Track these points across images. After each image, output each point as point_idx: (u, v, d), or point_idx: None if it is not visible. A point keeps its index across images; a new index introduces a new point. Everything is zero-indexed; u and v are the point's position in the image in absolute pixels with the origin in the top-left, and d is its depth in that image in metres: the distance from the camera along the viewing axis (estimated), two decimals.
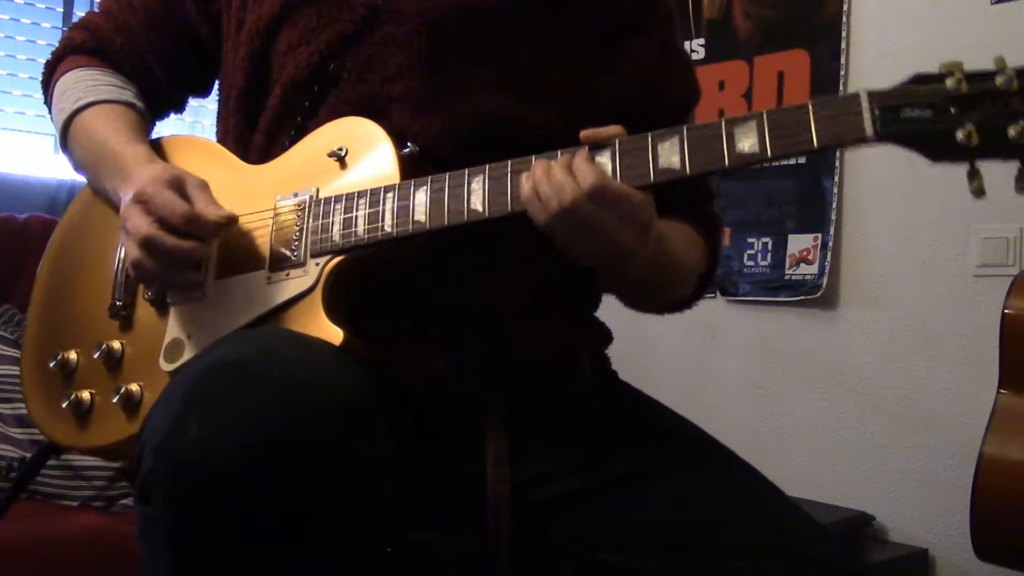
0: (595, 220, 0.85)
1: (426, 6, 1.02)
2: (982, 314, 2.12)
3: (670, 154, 0.85)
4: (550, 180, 0.86)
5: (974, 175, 0.79)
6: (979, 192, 0.79)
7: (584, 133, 0.89)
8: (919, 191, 2.25)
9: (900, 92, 0.79)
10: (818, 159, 2.43)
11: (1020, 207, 2.08)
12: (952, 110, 0.78)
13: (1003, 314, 1.66)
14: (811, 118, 0.81)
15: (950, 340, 2.19)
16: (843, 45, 2.40)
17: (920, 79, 0.79)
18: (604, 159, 0.88)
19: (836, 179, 2.40)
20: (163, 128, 1.28)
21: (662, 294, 1.10)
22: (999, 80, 0.76)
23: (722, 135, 0.84)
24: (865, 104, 0.79)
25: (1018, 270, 1.89)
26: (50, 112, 1.22)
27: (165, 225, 0.97)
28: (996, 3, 2.13)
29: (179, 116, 1.32)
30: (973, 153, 0.78)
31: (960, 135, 0.77)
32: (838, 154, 2.40)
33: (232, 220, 0.99)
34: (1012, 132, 0.76)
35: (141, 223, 0.97)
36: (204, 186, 1.01)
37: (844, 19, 2.40)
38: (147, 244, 0.97)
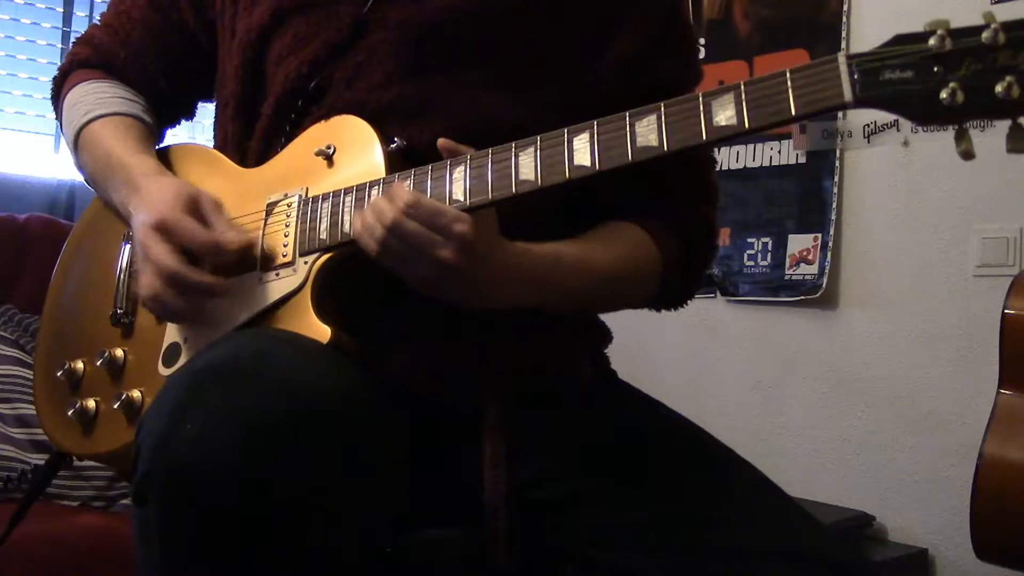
0: (414, 235, 0.86)
1: (412, 13, 1.03)
2: (982, 314, 2.12)
3: (648, 132, 0.84)
4: (372, 208, 0.89)
5: (961, 136, 0.75)
6: (967, 155, 0.75)
7: (441, 142, 0.91)
8: (919, 191, 2.25)
9: (880, 54, 0.76)
10: (818, 159, 2.43)
11: (1020, 207, 2.09)
12: (935, 69, 0.74)
13: (1003, 314, 1.66)
14: (788, 86, 0.79)
15: (950, 340, 2.19)
16: (843, 45, 2.39)
17: (902, 39, 0.77)
18: (582, 142, 0.87)
19: (836, 179, 2.40)
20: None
21: (587, 303, 1.07)
22: (984, 35, 0.73)
23: (699, 109, 0.82)
24: (843, 68, 0.76)
25: (1018, 270, 1.88)
26: (61, 127, 1.23)
27: (191, 257, 0.97)
28: (996, 3, 2.13)
29: None
30: (959, 113, 0.74)
31: (944, 95, 0.73)
32: (838, 154, 2.40)
33: (251, 244, 0.99)
34: (999, 88, 0.72)
35: (162, 255, 0.96)
36: (219, 207, 1.02)
37: (844, 19, 2.40)
38: (172, 280, 0.96)
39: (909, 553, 2.18)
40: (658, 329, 2.62)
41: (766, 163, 2.54)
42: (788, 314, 2.50)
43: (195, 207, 1.00)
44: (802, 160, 2.46)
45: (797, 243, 2.47)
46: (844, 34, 2.40)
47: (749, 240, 2.56)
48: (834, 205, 2.39)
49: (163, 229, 0.98)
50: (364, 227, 0.89)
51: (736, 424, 2.54)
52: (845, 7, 2.40)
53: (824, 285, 2.40)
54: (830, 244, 2.40)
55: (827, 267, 2.40)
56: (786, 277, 2.48)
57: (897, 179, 2.29)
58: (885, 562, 2.13)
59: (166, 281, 0.96)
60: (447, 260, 0.87)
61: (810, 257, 2.44)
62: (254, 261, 1.00)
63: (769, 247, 2.52)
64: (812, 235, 2.44)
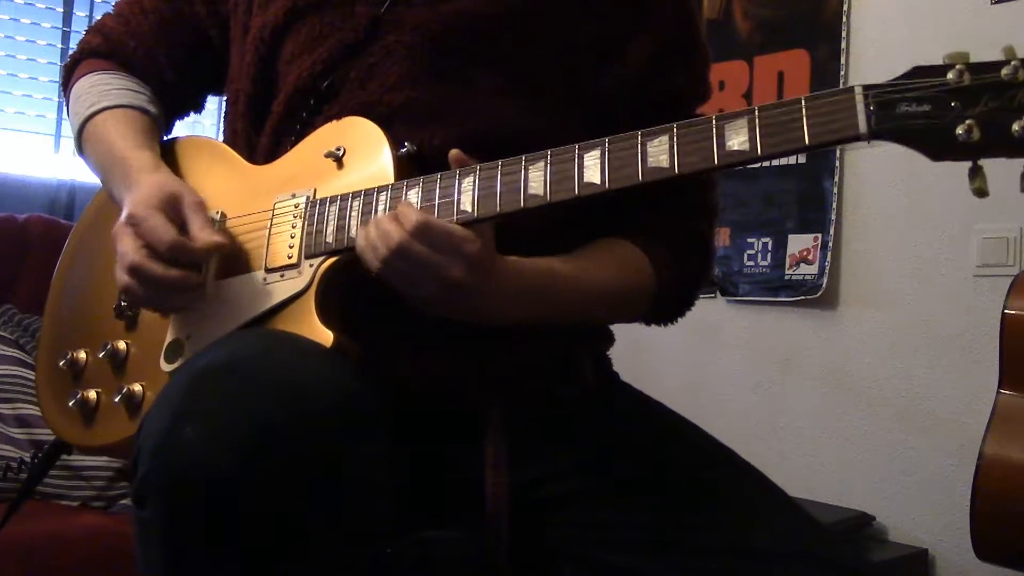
0: (422, 258, 0.86)
1: (428, 16, 1.02)
2: (982, 314, 2.12)
3: (659, 153, 0.83)
4: (377, 228, 0.88)
5: (976, 173, 0.75)
6: (980, 192, 0.75)
7: (452, 154, 0.91)
8: (919, 191, 2.25)
9: (897, 86, 0.76)
10: (818, 159, 2.43)
11: (1020, 207, 2.09)
12: (952, 104, 0.73)
13: (1003, 314, 1.66)
14: (803, 114, 0.78)
15: (950, 340, 2.19)
16: (843, 45, 2.40)
17: (920, 71, 0.75)
18: (593, 160, 0.86)
19: (836, 179, 2.40)
20: None
21: (579, 318, 1.06)
22: (1004, 72, 0.72)
23: (712, 132, 0.82)
24: (859, 99, 0.76)
25: (1018, 270, 1.88)
26: (69, 116, 1.23)
27: (153, 251, 0.97)
28: (996, 3, 2.13)
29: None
30: (974, 150, 0.74)
31: (960, 131, 0.73)
32: (838, 154, 2.40)
33: (220, 248, 0.98)
34: (1016, 127, 0.71)
35: (129, 249, 0.97)
36: (199, 205, 1.00)
37: (844, 19, 2.40)
38: (133, 272, 0.97)
39: (909, 553, 2.18)
40: (658, 330, 2.61)
41: (766, 163, 2.54)
42: (788, 314, 2.50)
43: (174, 205, 1.00)
44: (802, 160, 2.46)
45: (797, 243, 2.47)
46: (844, 34, 2.40)
47: (749, 240, 2.56)
48: (834, 205, 2.39)
49: (133, 224, 0.98)
50: (368, 246, 0.89)
51: (736, 424, 2.54)
52: (845, 7, 2.40)
53: (824, 285, 2.40)
54: (830, 244, 2.40)
55: (827, 267, 2.40)
56: (786, 277, 2.48)
57: (897, 179, 2.29)
58: (885, 562, 2.13)
59: (129, 272, 0.97)
60: (457, 279, 0.86)
61: (810, 257, 2.44)
62: (260, 261, 1.00)
63: (769, 247, 2.52)
64: (812, 235, 2.44)
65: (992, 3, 2.13)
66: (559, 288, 0.98)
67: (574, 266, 1.01)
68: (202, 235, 0.98)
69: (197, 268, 1.01)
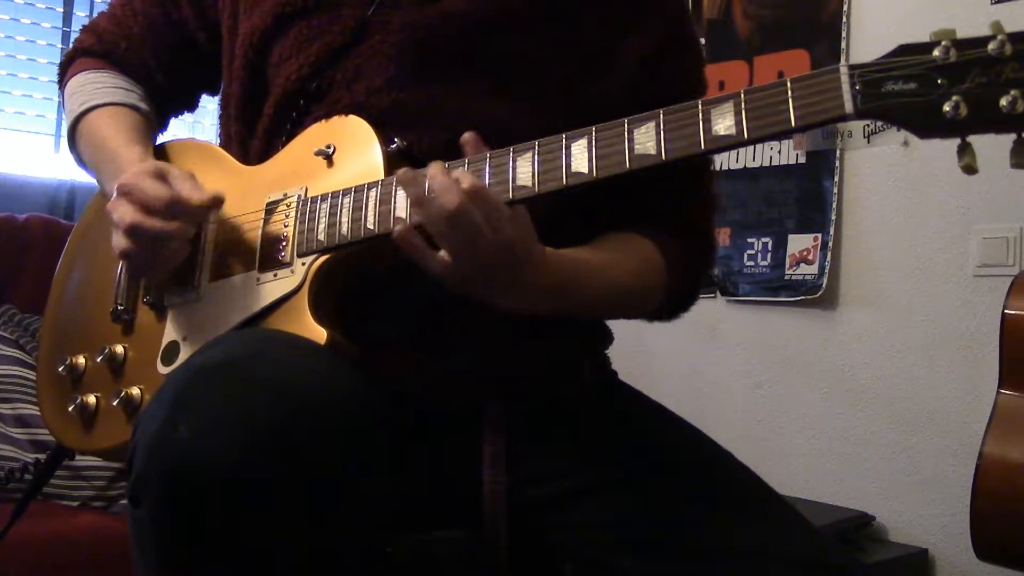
0: (472, 226, 0.83)
1: (415, 17, 1.02)
2: (982, 314, 2.12)
3: (646, 140, 0.83)
4: (435, 182, 0.84)
5: (964, 150, 0.74)
6: (969, 169, 0.74)
7: (466, 136, 0.89)
8: (919, 191, 2.25)
9: (882, 64, 0.75)
10: (818, 159, 2.43)
11: (1020, 207, 2.08)
12: (939, 81, 0.73)
13: (1003, 314, 1.66)
14: (788, 96, 0.78)
15: (950, 340, 2.19)
16: (843, 45, 2.40)
17: (906, 49, 0.75)
18: (580, 148, 0.86)
19: (836, 179, 2.40)
20: None
21: (595, 312, 1.07)
22: (991, 46, 0.72)
23: (698, 117, 0.81)
24: (845, 79, 0.75)
25: (1018, 270, 1.88)
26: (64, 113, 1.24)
27: (149, 211, 0.97)
28: (996, 3, 2.13)
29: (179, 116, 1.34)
30: (962, 126, 0.73)
31: (947, 108, 0.72)
32: (838, 154, 2.40)
33: (217, 201, 0.99)
34: (1004, 102, 0.70)
35: (125, 212, 0.97)
36: (189, 175, 1.01)
37: (844, 19, 2.40)
38: (132, 231, 0.97)
39: (909, 553, 2.18)
40: (658, 329, 2.60)
41: (766, 163, 2.54)
42: (788, 314, 2.49)
43: (162, 175, 1.00)
44: (802, 160, 2.46)
45: (797, 243, 2.47)
46: (844, 34, 2.40)
47: (749, 240, 2.56)
48: (834, 205, 2.39)
49: (124, 191, 0.98)
50: (428, 218, 0.85)
51: (736, 424, 2.54)
52: (845, 7, 2.40)
53: (824, 285, 2.40)
54: (830, 244, 2.40)
55: (827, 267, 2.39)
56: (786, 277, 2.48)
57: (897, 179, 2.29)
58: (885, 562, 2.12)
59: (127, 234, 0.97)
60: (491, 255, 0.84)
61: (810, 257, 2.44)
62: (253, 261, 1.00)
63: (769, 247, 2.52)
64: (812, 235, 2.44)
65: (992, 3, 2.13)
66: (583, 281, 0.98)
67: (599, 260, 1.00)
68: (195, 194, 0.98)
69: (196, 236, 1.01)
